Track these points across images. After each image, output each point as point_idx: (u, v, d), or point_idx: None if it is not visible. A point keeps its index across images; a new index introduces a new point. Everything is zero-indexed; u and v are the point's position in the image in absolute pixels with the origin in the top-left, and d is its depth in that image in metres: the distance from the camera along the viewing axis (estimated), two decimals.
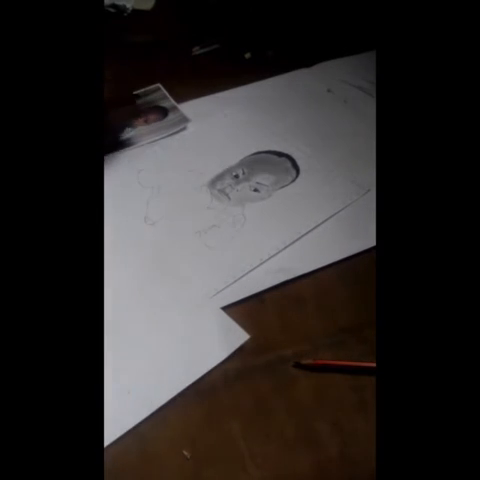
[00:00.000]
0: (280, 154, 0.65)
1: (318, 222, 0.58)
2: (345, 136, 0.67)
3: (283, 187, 0.62)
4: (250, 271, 0.54)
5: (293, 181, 0.62)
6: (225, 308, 0.51)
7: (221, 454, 0.43)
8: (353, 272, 0.54)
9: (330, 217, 0.58)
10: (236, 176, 0.63)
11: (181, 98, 0.72)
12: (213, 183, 0.62)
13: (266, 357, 0.48)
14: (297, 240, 0.56)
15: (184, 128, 0.68)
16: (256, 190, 0.61)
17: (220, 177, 0.63)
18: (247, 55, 0.79)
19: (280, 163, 0.64)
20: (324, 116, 0.70)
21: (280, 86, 0.74)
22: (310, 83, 0.75)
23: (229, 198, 0.61)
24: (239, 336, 0.49)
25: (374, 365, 0.47)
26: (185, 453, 0.43)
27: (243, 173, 0.63)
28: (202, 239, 0.57)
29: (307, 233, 0.57)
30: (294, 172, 0.63)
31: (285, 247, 0.56)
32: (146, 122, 0.69)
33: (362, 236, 0.56)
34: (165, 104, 0.71)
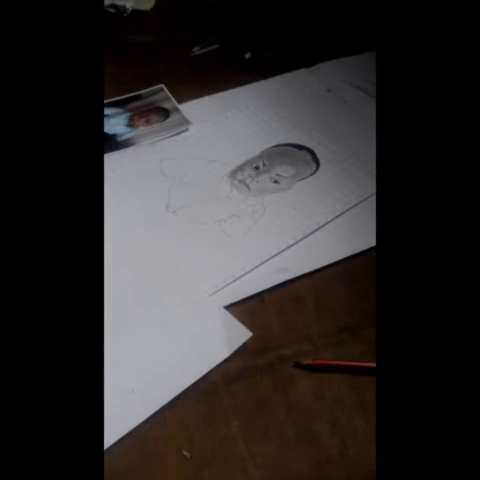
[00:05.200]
0: (300, 147, 0.66)
1: (336, 213, 0.59)
2: (344, 136, 0.67)
3: (303, 179, 0.63)
4: (256, 267, 0.54)
5: (313, 174, 0.63)
6: (225, 308, 0.51)
7: (221, 454, 0.43)
8: (353, 272, 0.55)
9: (349, 209, 0.59)
10: (256, 167, 0.64)
11: (181, 98, 0.72)
12: (234, 174, 0.63)
13: (266, 357, 0.49)
14: (315, 231, 0.57)
15: (186, 130, 0.68)
16: (276, 182, 0.62)
17: (241, 168, 0.64)
18: (247, 55, 0.79)
19: (300, 156, 0.65)
20: (324, 116, 0.70)
21: (280, 86, 0.74)
22: (310, 83, 0.75)
23: (249, 189, 0.62)
24: (242, 334, 0.49)
25: (374, 365, 0.47)
26: (185, 453, 0.43)
27: (263, 165, 0.64)
28: (221, 228, 0.58)
29: (325, 224, 0.58)
30: (314, 165, 0.64)
31: (303, 238, 0.57)
32: (147, 123, 0.69)
33: (362, 236, 0.56)
34: (167, 105, 0.71)
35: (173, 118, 0.69)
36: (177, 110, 0.70)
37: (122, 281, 0.53)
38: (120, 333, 0.49)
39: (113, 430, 0.43)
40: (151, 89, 0.73)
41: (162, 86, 0.73)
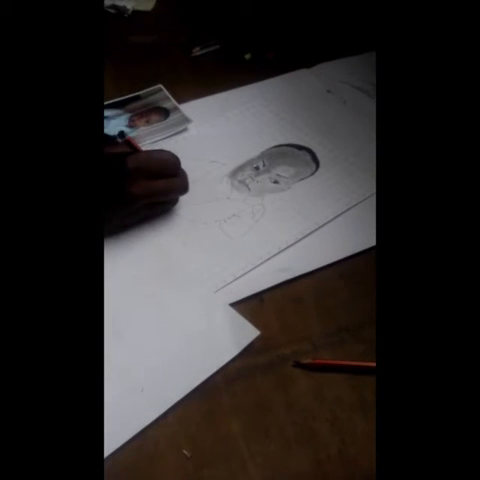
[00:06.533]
0: (300, 147, 0.66)
1: (336, 213, 0.59)
2: (344, 137, 0.68)
3: (303, 179, 0.63)
4: (256, 267, 0.54)
5: (313, 174, 0.63)
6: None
7: (221, 453, 0.43)
8: (353, 272, 0.55)
9: (349, 209, 0.60)
10: (257, 168, 0.64)
11: (181, 99, 0.72)
12: (234, 174, 0.64)
13: (266, 356, 0.49)
14: (314, 231, 0.57)
15: (185, 129, 0.69)
16: (276, 182, 0.63)
17: (241, 168, 0.64)
18: (247, 56, 0.79)
19: (300, 156, 0.65)
20: (324, 117, 0.70)
21: (280, 87, 0.75)
22: (310, 84, 0.75)
23: (249, 189, 0.62)
24: (249, 332, 0.49)
25: (374, 365, 0.47)
26: (185, 452, 0.43)
27: (263, 165, 0.64)
28: (222, 228, 0.58)
29: (325, 224, 0.58)
30: (314, 165, 0.64)
31: (303, 237, 0.57)
32: (147, 123, 0.69)
33: (362, 236, 0.56)
34: (166, 105, 0.71)
35: (173, 117, 0.69)
36: (177, 109, 0.70)
37: (125, 281, 0.53)
38: (129, 334, 0.49)
39: (124, 429, 0.43)
40: (150, 89, 0.73)
41: (160, 86, 0.73)
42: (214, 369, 0.47)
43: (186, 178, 0.58)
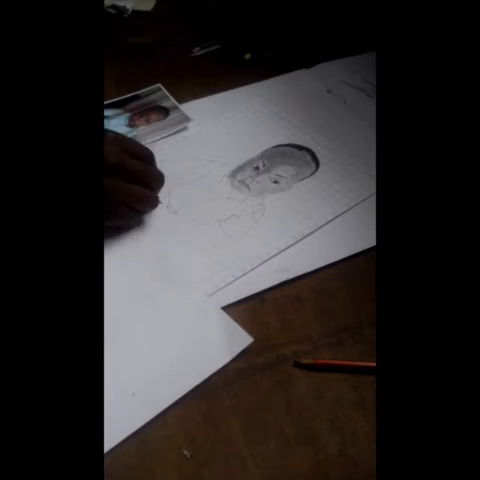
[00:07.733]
0: (300, 147, 0.66)
1: (336, 213, 0.59)
2: (344, 136, 0.68)
3: (303, 179, 0.63)
4: (256, 267, 0.54)
5: (313, 174, 0.63)
6: (225, 308, 0.51)
7: (221, 453, 0.43)
8: (353, 272, 0.55)
9: (349, 209, 0.60)
10: (256, 168, 0.64)
11: (181, 98, 0.72)
12: (234, 174, 0.64)
13: (266, 357, 0.49)
14: (314, 231, 0.57)
15: (185, 128, 0.69)
16: (276, 182, 0.63)
17: (241, 168, 0.64)
18: (247, 56, 0.79)
19: (300, 156, 0.65)
20: (323, 117, 0.70)
21: (280, 87, 0.75)
22: (310, 84, 0.75)
23: (249, 189, 0.62)
24: (243, 339, 0.49)
25: (374, 365, 0.47)
26: (185, 452, 0.43)
27: (263, 165, 0.64)
28: (222, 228, 0.58)
29: (325, 224, 0.58)
30: (314, 165, 0.64)
31: (303, 238, 0.57)
32: (147, 122, 0.69)
33: (362, 236, 0.56)
34: (166, 104, 0.71)
35: (173, 116, 0.69)
36: (176, 108, 0.71)
37: (123, 282, 0.53)
38: (121, 336, 0.49)
39: (114, 433, 0.43)
40: (148, 89, 0.73)
41: (159, 85, 0.73)
42: (206, 375, 0.47)
43: (158, 199, 0.57)
